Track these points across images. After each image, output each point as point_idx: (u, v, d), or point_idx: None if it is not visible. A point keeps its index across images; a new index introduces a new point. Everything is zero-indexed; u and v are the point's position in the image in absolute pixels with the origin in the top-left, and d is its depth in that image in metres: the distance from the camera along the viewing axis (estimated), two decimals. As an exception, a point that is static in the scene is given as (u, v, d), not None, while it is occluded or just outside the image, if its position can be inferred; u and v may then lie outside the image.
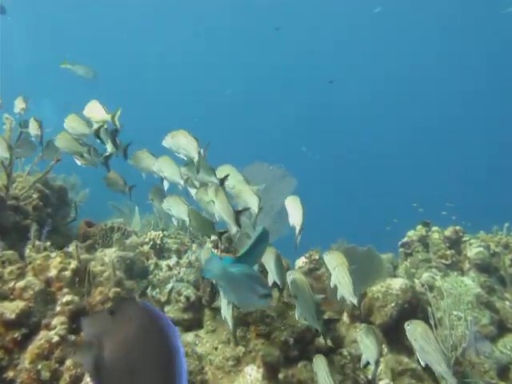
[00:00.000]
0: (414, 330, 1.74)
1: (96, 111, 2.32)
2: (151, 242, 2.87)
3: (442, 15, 16.89)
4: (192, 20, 18.80)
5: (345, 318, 2.89)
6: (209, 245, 2.98)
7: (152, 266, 2.80)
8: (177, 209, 2.17)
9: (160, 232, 3.01)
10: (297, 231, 2.09)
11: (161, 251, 2.89)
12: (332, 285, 1.90)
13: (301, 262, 3.41)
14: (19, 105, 2.99)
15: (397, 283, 2.61)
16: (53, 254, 1.83)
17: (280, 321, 2.30)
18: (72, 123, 2.41)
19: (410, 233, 4.05)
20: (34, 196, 3.03)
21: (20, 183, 3.06)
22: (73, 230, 3.42)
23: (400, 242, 4.02)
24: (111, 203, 5.02)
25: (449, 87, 19.39)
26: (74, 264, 1.76)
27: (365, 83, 20.58)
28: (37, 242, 1.90)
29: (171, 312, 2.54)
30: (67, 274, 1.75)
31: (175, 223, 2.30)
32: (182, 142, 1.97)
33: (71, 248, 1.87)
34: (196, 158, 1.96)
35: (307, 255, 3.49)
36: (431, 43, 18.57)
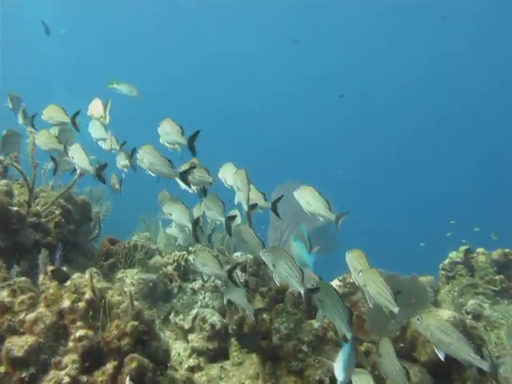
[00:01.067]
0: (427, 323, 1.61)
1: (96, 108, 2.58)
2: (175, 264, 2.70)
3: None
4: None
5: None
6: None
7: (176, 289, 2.63)
8: (178, 214, 2.12)
9: (184, 252, 2.84)
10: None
11: (185, 273, 2.71)
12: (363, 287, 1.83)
13: (334, 285, 3.17)
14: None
15: (444, 315, 2.34)
16: (67, 283, 1.67)
17: (314, 357, 2.07)
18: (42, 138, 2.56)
19: (453, 254, 3.74)
20: (57, 212, 2.92)
21: (43, 198, 2.96)
22: (96, 247, 3.30)
23: (441, 264, 3.72)
24: (141, 216, 4.90)
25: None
26: (88, 294, 1.60)
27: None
28: (50, 267, 1.75)
29: (195, 341, 2.35)
30: (81, 305, 1.60)
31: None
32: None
33: (86, 275, 1.71)
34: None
35: (341, 278, 3.25)
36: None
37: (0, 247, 2.44)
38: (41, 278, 1.71)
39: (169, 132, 2.11)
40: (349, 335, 1.72)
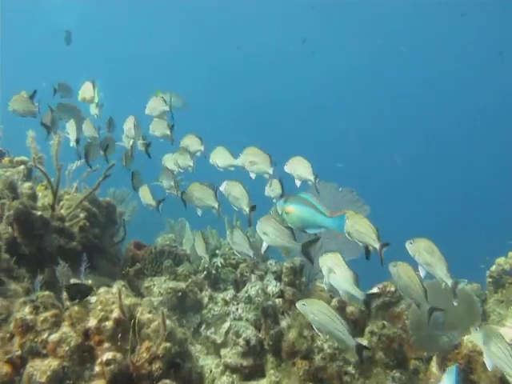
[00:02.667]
0: (418, 246, 1.75)
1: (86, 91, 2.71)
2: (205, 272, 2.52)
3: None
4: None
5: (433, 367, 2.39)
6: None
7: (206, 299, 2.46)
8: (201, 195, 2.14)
9: (215, 260, 2.67)
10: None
11: (216, 281, 2.54)
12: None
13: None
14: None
15: (508, 334, 2.09)
16: (92, 298, 1.52)
17: (362, 380, 1.87)
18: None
19: (500, 260, 3.46)
20: (81, 216, 2.79)
21: (67, 201, 2.83)
22: (121, 251, 3.17)
23: (488, 271, 3.44)
24: (166, 218, 4.77)
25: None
26: (117, 313, 1.44)
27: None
28: (74, 280, 1.60)
29: (228, 356, 2.17)
30: (108, 324, 1.44)
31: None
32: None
33: (114, 289, 1.55)
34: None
35: (380, 286, 3.02)
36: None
37: (23, 253, 2.31)
38: (64, 292, 1.56)
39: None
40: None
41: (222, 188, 2.15)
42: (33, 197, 2.51)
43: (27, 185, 2.52)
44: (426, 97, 19.97)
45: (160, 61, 19.70)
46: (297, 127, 19.71)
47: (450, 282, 1.74)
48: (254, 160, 2.17)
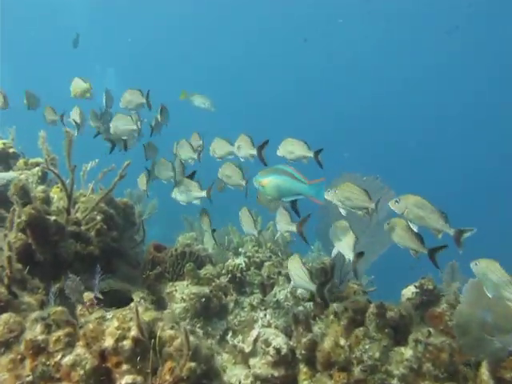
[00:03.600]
0: (405, 202, 1.68)
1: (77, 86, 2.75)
2: (229, 275, 2.37)
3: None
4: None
5: (484, 375, 2.18)
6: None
7: (232, 304, 2.30)
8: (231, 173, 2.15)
9: (241, 261, 2.51)
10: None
11: (241, 285, 2.38)
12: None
13: (409, 292, 2.73)
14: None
15: None
16: (108, 314, 1.37)
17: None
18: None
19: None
20: (98, 218, 2.67)
21: (82, 203, 2.71)
22: (141, 253, 3.04)
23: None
24: (183, 216, 4.64)
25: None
26: (134, 331, 1.30)
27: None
28: (88, 294, 1.46)
29: (258, 367, 2.01)
30: (127, 344, 1.29)
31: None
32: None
33: (132, 304, 1.40)
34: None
35: (417, 284, 2.80)
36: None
37: (38, 261, 2.20)
38: (78, 308, 1.42)
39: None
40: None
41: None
42: (46, 200, 2.40)
43: (40, 188, 2.41)
44: (431, 82, 19.46)
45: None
46: (301, 117, 19.52)
47: (451, 232, 1.61)
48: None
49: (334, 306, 2.06)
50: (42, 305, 1.73)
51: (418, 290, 2.76)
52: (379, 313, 1.84)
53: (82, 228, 2.54)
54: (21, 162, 3.23)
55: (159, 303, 2.43)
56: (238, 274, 2.34)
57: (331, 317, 1.94)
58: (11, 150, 3.25)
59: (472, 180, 16.48)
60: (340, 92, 20.15)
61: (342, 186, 1.86)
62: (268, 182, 1.91)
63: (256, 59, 20.56)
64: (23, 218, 2.13)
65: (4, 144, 3.22)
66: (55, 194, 2.94)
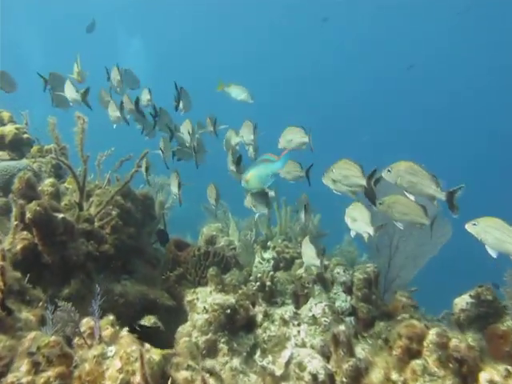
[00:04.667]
0: (397, 170, 1.61)
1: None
2: (258, 283, 2.08)
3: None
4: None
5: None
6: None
7: (260, 316, 2.01)
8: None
9: (269, 268, 2.22)
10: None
11: (272, 295, 2.09)
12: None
13: (463, 301, 2.37)
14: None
15: None
16: (110, 350, 1.11)
17: None
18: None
19: None
20: (113, 213, 2.42)
21: (97, 197, 2.46)
22: (161, 251, 2.79)
23: None
24: (203, 205, 4.37)
25: None
26: (139, 376, 1.03)
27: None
28: (89, 322, 1.19)
29: (290, 393, 1.73)
30: (132, 392, 1.03)
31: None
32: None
33: (134, 347, 1.12)
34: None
35: (473, 293, 2.44)
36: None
37: (46, 264, 1.97)
38: (75, 340, 1.16)
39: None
40: None
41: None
42: (55, 195, 2.16)
43: (49, 181, 2.16)
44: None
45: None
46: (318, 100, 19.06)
47: (442, 196, 1.54)
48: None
49: (381, 326, 1.75)
50: (43, 321, 1.49)
51: (473, 301, 2.40)
52: (441, 343, 1.51)
53: (96, 224, 2.30)
54: (34, 148, 3.01)
55: (179, 312, 2.18)
56: (268, 282, 2.05)
57: (379, 342, 1.63)
58: (25, 136, 3.03)
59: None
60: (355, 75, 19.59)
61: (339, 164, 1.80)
62: (249, 177, 2.00)
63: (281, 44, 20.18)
64: (28, 215, 1.89)
65: (17, 129, 3.00)
66: (69, 184, 2.71)
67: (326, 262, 2.17)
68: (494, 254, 1.55)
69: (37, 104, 2.69)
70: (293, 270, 2.79)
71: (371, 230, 1.74)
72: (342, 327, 1.78)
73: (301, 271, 2.49)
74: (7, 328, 1.38)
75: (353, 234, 1.82)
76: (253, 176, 2.01)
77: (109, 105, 2.62)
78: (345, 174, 1.75)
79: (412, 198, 1.64)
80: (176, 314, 2.28)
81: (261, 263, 3.14)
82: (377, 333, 1.77)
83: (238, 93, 2.78)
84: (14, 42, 15.58)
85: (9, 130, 2.95)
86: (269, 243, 3.77)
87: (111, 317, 1.25)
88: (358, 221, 1.76)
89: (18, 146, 2.97)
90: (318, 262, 1.87)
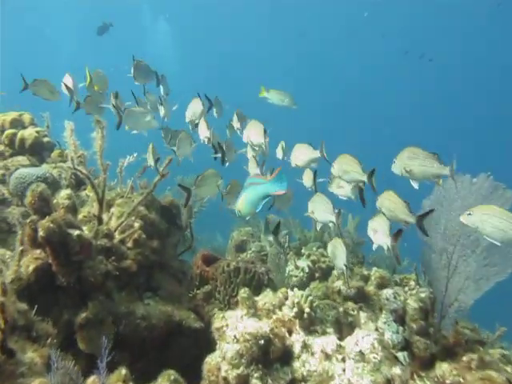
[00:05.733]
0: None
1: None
2: (295, 309, 1.82)
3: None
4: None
5: None
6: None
7: (298, 348, 1.76)
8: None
9: (304, 265, 1.98)
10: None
11: (311, 322, 1.83)
12: None
13: None
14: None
15: None
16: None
17: None
18: None
19: None
20: (136, 225, 2.22)
21: (118, 207, 2.27)
22: (188, 263, 2.58)
23: None
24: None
25: None
26: None
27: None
28: (93, 380, 0.98)
29: None
30: None
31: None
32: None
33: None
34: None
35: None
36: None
37: (61, 286, 1.78)
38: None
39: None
40: None
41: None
42: (72, 208, 1.97)
43: (65, 193, 1.97)
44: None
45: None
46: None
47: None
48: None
49: (445, 369, 1.47)
50: (49, 363, 1.29)
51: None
52: None
53: (117, 238, 2.10)
54: (55, 152, 2.86)
55: (206, 337, 1.96)
56: (307, 309, 1.79)
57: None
58: (45, 140, 2.87)
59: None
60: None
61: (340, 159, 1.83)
62: (240, 203, 1.88)
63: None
64: (41, 233, 1.71)
65: (38, 132, 2.84)
66: (90, 192, 2.54)
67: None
68: (497, 243, 1.45)
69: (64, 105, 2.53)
70: (330, 282, 2.53)
71: (388, 241, 1.68)
72: (396, 370, 1.50)
73: (339, 283, 2.23)
74: (7, 375, 1.19)
75: (374, 247, 1.78)
76: (243, 202, 1.89)
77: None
78: (345, 169, 1.78)
79: (416, 185, 1.64)
80: (204, 336, 2.07)
81: (296, 276, 2.89)
82: (440, 377, 1.48)
83: (280, 99, 2.65)
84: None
85: (29, 133, 2.80)
86: (303, 250, 3.51)
87: (123, 371, 1.03)
88: (378, 232, 1.73)
89: (38, 150, 2.82)
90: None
